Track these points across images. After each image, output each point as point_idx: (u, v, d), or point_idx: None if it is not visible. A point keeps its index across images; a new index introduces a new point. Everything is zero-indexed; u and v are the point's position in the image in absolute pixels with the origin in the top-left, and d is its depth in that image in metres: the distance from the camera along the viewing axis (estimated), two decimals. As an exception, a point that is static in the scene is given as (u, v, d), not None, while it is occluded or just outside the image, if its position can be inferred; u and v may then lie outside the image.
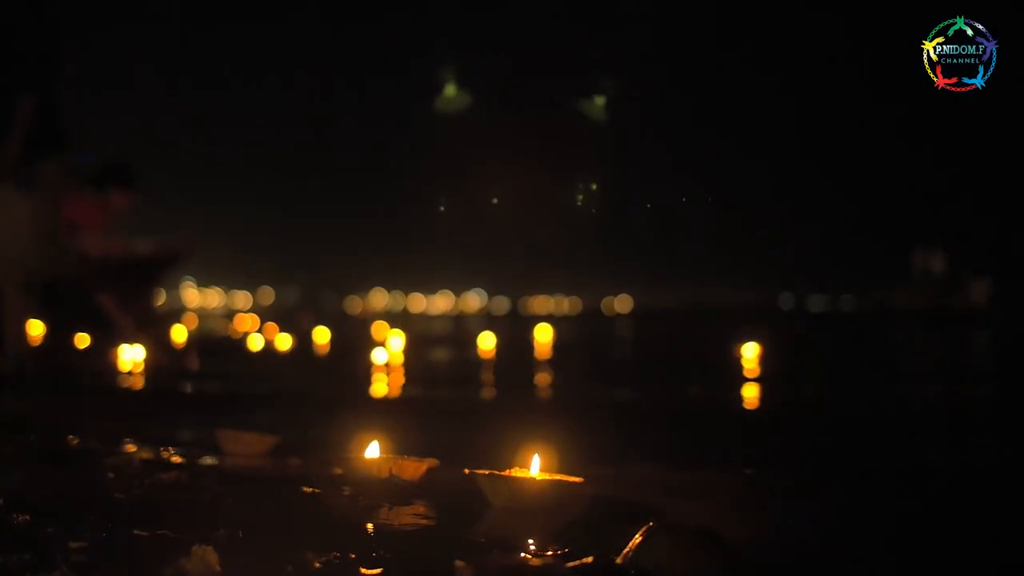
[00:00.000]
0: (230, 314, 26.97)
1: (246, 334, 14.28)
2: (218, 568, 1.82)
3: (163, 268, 12.35)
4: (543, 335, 13.80)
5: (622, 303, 55.39)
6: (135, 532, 2.09)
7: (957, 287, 34.93)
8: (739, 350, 9.15)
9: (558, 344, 13.08)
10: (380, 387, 6.48)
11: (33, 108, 5.73)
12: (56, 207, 6.08)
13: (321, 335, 12.44)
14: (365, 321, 19.71)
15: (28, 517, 2.20)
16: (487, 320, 27.54)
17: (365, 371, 7.53)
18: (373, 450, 2.72)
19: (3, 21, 5.80)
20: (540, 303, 58.82)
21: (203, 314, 28.97)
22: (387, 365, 7.84)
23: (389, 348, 8.83)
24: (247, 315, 24.65)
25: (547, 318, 34.13)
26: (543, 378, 7.95)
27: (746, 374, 7.67)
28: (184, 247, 12.14)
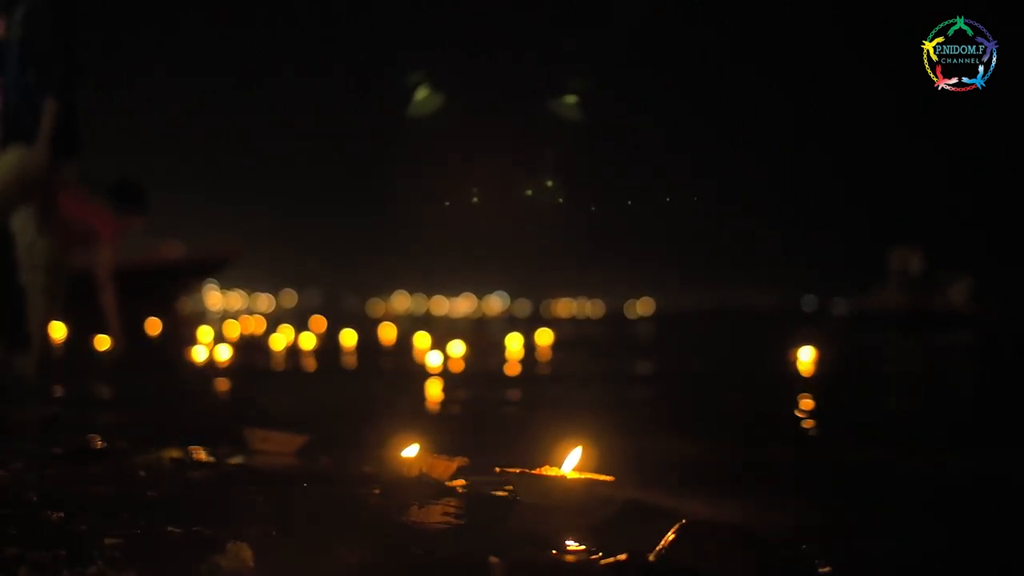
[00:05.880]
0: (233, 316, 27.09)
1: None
2: (252, 564, 1.82)
3: (203, 273, 12.46)
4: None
5: (644, 306, 55.34)
6: (169, 529, 2.09)
7: (935, 287, 34.37)
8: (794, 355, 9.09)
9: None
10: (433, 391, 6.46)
11: (57, 109, 5.75)
12: (57, 209, 6.08)
13: (348, 337, 12.49)
14: (383, 323, 19.78)
15: (62, 514, 2.21)
16: (510, 323, 27.54)
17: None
18: (411, 450, 2.72)
19: (25, 22, 5.83)
20: (562, 306, 58.86)
21: (225, 316, 29.06)
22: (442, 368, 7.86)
23: (448, 351, 8.87)
24: (252, 317, 24.83)
25: (569, 321, 34.22)
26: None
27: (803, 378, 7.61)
28: (229, 253, 12.25)
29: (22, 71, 5.83)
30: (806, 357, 8.90)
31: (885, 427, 5.02)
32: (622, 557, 1.92)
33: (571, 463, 2.51)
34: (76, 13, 5.95)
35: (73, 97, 5.90)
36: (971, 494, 3.06)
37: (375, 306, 52.61)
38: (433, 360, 8.14)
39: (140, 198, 9.68)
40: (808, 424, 4.93)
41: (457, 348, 9.48)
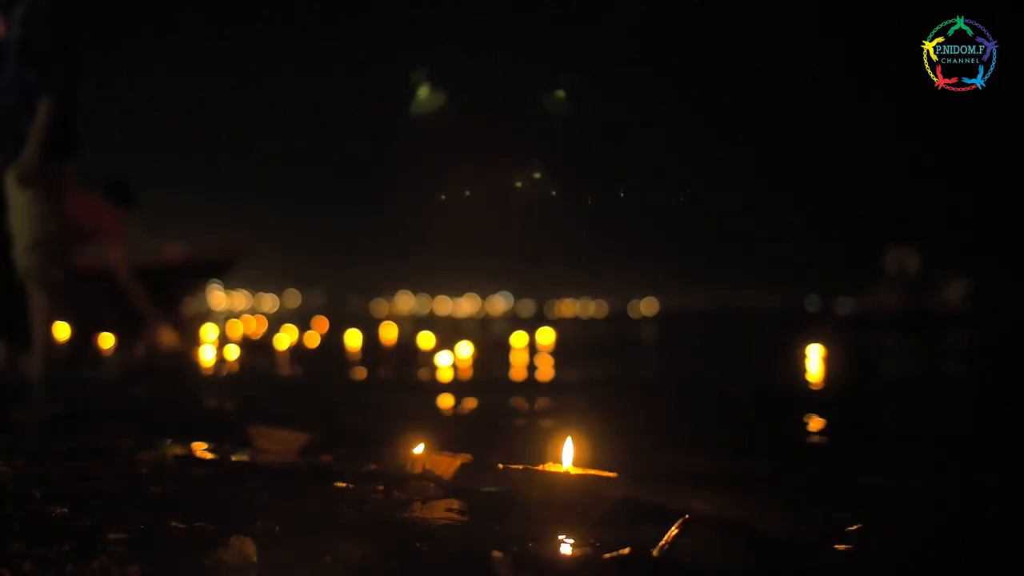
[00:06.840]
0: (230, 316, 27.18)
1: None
2: (255, 559, 1.82)
3: (208, 274, 12.43)
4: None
5: (648, 306, 55.40)
6: (173, 524, 2.10)
7: (932, 287, 34.32)
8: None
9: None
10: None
11: (52, 109, 5.75)
12: (62, 210, 6.08)
13: (352, 338, 12.52)
14: (386, 323, 19.82)
15: (66, 510, 2.22)
16: (513, 323, 27.56)
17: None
18: (414, 447, 2.72)
19: (25, 22, 5.84)
20: (566, 306, 58.94)
21: (229, 316, 29.11)
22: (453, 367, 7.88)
23: (456, 352, 8.90)
24: (256, 317, 24.93)
25: (573, 321, 34.24)
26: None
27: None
28: (235, 253, 12.24)
29: (21, 71, 5.83)
30: (814, 356, 8.90)
31: (887, 429, 5.02)
32: (625, 552, 1.92)
33: (572, 459, 2.51)
34: (76, 13, 5.96)
35: (74, 97, 5.91)
36: (971, 495, 3.06)
37: (379, 306, 52.65)
38: (438, 360, 8.15)
39: (130, 194, 9.71)
40: (810, 426, 4.93)
41: (460, 348, 9.49)
